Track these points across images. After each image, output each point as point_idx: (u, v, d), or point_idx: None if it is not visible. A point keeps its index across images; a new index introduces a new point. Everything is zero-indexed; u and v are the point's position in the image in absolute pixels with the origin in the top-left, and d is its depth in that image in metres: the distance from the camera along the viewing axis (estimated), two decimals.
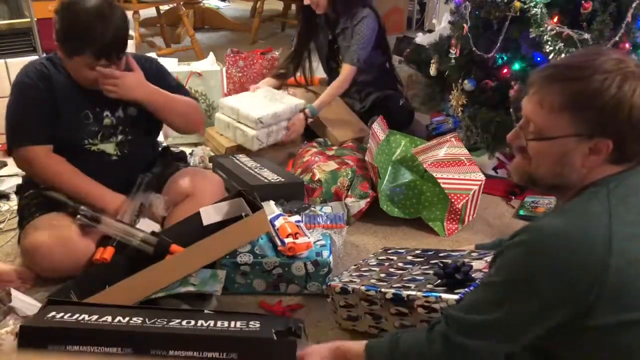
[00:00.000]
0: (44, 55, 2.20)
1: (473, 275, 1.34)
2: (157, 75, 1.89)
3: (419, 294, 1.32)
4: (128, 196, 1.82)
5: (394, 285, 1.41)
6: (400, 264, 1.58)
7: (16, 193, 1.94)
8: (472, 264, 1.40)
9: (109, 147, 1.83)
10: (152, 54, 2.85)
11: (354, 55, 2.59)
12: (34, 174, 1.79)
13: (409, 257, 1.62)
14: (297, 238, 1.69)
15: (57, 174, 1.75)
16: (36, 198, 1.80)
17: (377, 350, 1.19)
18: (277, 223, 1.74)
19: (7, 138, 1.78)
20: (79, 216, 1.62)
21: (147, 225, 1.79)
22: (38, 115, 1.73)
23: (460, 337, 1.05)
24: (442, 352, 1.07)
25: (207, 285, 1.59)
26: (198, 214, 1.76)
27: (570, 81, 1.01)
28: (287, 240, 1.68)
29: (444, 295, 1.28)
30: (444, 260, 1.45)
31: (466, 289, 1.27)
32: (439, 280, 1.35)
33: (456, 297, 1.26)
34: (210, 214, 1.77)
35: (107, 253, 1.65)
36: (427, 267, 1.49)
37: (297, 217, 1.83)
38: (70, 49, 1.66)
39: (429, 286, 1.35)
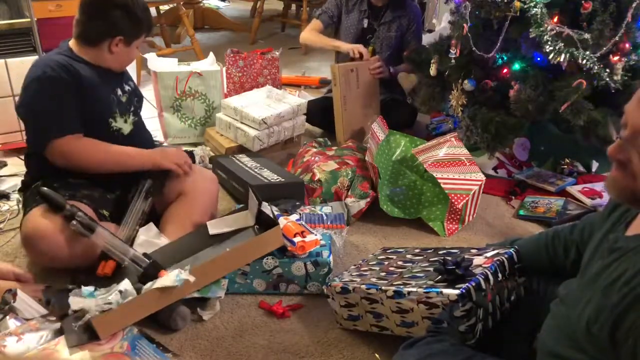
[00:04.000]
0: (44, 54, 2.20)
1: (474, 271, 1.34)
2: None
3: (420, 290, 1.32)
4: (129, 203, 1.84)
5: (394, 283, 1.41)
6: (400, 263, 1.58)
7: (20, 190, 1.94)
8: (472, 259, 1.40)
9: (124, 125, 1.89)
10: (152, 54, 2.86)
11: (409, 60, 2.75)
12: (69, 164, 1.77)
13: (409, 256, 1.63)
14: (304, 236, 1.69)
15: (92, 155, 1.78)
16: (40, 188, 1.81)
17: None
18: (280, 223, 1.73)
19: (36, 135, 1.79)
20: (74, 222, 1.60)
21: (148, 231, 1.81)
22: (66, 105, 1.74)
23: None
24: None
25: (210, 291, 1.60)
26: (205, 226, 1.79)
27: None
28: (296, 240, 1.67)
29: (445, 291, 1.28)
30: (444, 258, 1.45)
31: (467, 284, 1.28)
32: (440, 276, 1.35)
33: (457, 291, 1.26)
34: (216, 227, 1.80)
35: (109, 267, 1.65)
36: (426, 264, 1.49)
37: (295, 216, 1.83)
38: (133, 35, 1.84)
39: (430, 282, 1.36)
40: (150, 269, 1.59)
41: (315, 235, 1.72)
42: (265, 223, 1.73)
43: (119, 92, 1.90)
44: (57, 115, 1.73)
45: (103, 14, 1.77)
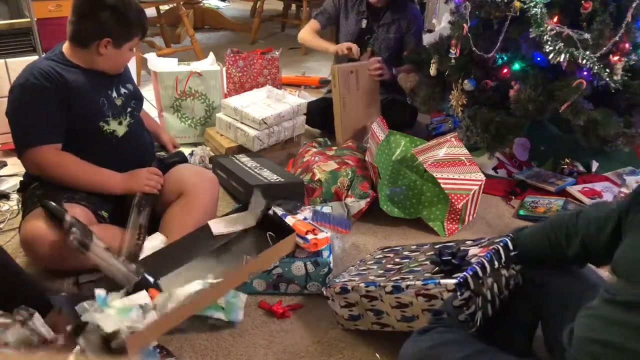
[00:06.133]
0: (44, 55, 2.20)
1: (470, 260, 1.34)
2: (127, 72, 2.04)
3: (418, 282, 1.33)
4: (129, 205, 1.83)
5: (392, 279, 1.41)
6: (397, 260, 1.59)
7: (19, 190, 1.94)
8: (468, 250, 1.40)
9: (119, 127, 1.87)
10: (152, 54, 2.86)
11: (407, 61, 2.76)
12: (43, 174, 1.79)
13: (406, 253, 1.63)
14: (316, 234, 1.69)
15: (67, 172, 1.77)
16: (40, 189, 1.81)
17: None
18: (289, 222, 1.73)
19: (15, 141, 1.80)
20: (71, 237, 1.56)
21: (154, 240, 1.79)
22: (45, 115, 1.73)
23: None
24: None
25: (233, 313, 1.59)
26: (202, 228, 1.77)
27: None
28: (309, 237, 1.67)
29: (443, 281, 1.29)
30: (440, 249, 1.45)
31: (464, 273, 1.28)
32: (437, 268, 1.36)
33: (454, 281, 1.27)
34: (219, 226, 1.77)
35: None
36: (423, 258, 1.50)
37: (301, 215, 1.83)
38: (124, 38, 1.80)
39: (427, 275, 1.36)
40: (138, 288, 1.52)
41: (326, 233, 1.72)
42: (269, 224, 1.72)
43: (114, 95, 1.88)
44: (35, 124, 1.74)
45: (92, 15, 1.75)
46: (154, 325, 1.39)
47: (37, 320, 1.39)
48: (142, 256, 1.70)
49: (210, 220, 1.86)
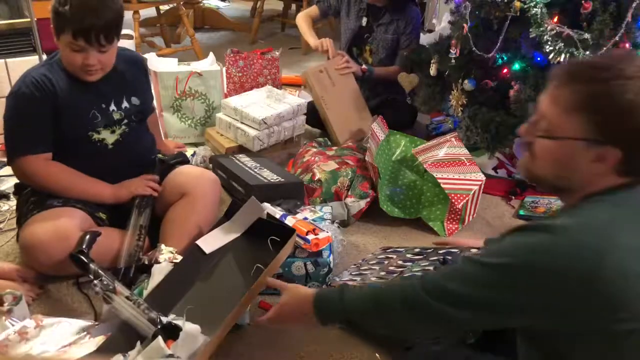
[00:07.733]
0: (45, 56, 2.20)
1: None
2: (144, 74, 1.99)
3: None
4: (128, 218, 1.82)
5: None
6: (399, 262, 1.59)
7: (14, 193, 1.94)
8: None
9: (110, 135, 1.83)
10: (152, 54, 2.85)
11: (405, 61, 2.76)
12: (32, 184, 1.79)
13: (409, 255, 1.63)
14: (317, 233, 1.69)
15: (55, 182, 1.76)
16: (34, 195, 1.80)
17: (325, 296, 1.23)
18: (288, 222, 1.73)
19: (6, 150, 1.79)
20: (97, 289, 1.45)
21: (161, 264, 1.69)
22: (35, 126, 1.72)
23: (434, 300, 1.04)
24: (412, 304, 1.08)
25: (240, 318, 1.58)
26: (195, 245, 1.70)
27: (589, 82, 0.96)
28: (310, 237, 1.67)
29: None
30: (444, 257, 1.45)
31: None
32: None
33: None
34: (209, 244, 1.71)
35: None
36: (426, 263, 1.49)
37: (301, 215, 1.82)
38: (56, 27, 1.68)
39: None
40: (159, 334, 1.39)
41: (328, 232, 1.72)
42: (255, 226, 1.69)
43: (112, 107, 1.82)
44: (24, 134, 1.73)
45: None
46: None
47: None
48: (151, 281, 1.59)
49: (210, 221, 1.84)
